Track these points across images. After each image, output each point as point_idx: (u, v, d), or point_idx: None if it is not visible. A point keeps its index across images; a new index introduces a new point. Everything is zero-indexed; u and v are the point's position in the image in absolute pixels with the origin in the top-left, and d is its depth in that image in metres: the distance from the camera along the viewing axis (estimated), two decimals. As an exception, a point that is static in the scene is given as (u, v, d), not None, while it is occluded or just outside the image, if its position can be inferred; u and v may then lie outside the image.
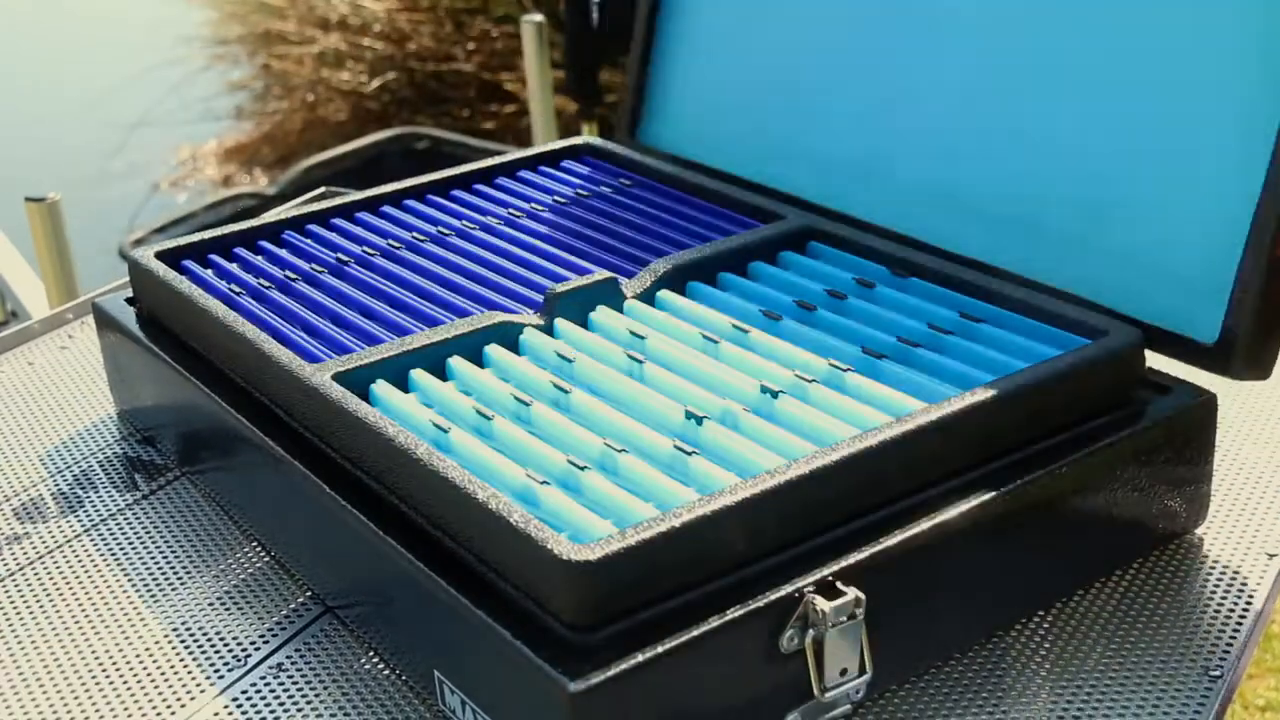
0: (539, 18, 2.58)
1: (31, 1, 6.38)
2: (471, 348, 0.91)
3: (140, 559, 0.93)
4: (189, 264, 1.06)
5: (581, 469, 0.77)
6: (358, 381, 0.87)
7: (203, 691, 0.81)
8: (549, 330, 0.94)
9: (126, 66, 5.06)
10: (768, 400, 0.83)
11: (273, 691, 0.81)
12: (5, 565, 0.93)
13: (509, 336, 0.93)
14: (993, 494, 0.78)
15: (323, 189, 1.53)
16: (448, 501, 0.75)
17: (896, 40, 1.09)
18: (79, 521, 0.97)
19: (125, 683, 0.82)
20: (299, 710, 0.79)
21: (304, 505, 0.85)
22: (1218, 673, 0.78)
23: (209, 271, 1.05)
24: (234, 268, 1.06)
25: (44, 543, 0.95)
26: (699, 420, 0.81)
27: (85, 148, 4.68)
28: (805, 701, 0.73)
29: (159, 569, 0.92)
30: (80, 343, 1.23)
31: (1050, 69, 0.98)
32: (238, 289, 1.01)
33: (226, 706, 0.80)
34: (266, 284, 1.02)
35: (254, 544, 0.94)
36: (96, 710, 0.80)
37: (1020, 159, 0.99)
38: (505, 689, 0.71)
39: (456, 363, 0.90)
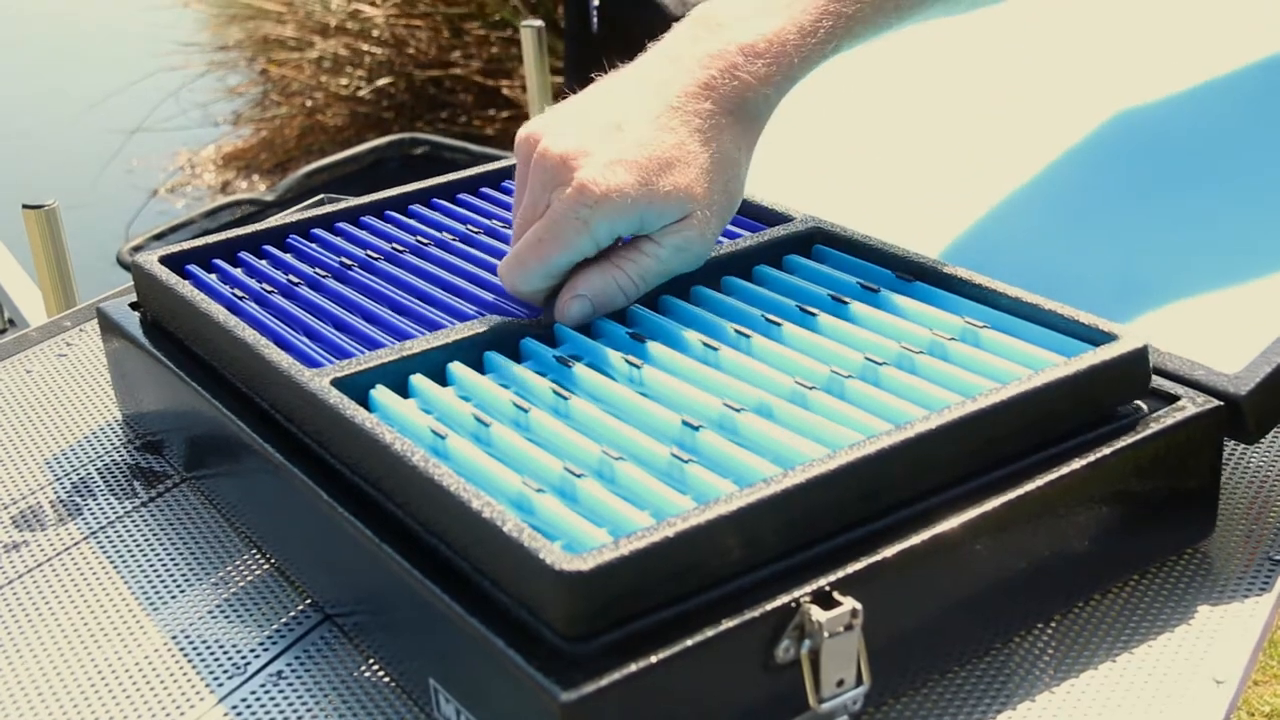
0: (538, 23, 2.58)
1: (29, 7, 6.38)
2: (472, 352, 0.91)
3: (139, 566, 0.93)
4: (192, 269, 1.06)
5: (578, 476, 0.77)
6: (357, 387, 0.87)
7: (201, 699, 0.81)
8: (550, 335, 0.94)
9: (124, 73, 5.07)
10: (766, 407, 0.83)
11: (272, 699, 0.81)
12: (3, 573, 0.93)
13: (510, 341, 0.93)
14: (992, 505, 0.77)
15: (321, 196, 1.53)
16: (442, 509, 0.75)
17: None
18: (77, 529, 0.97)
19: (125, 691, 0.82)
20: (298, 718, 0.79)
21: (303, 513, 0.85)
22: (1223, 679, 0.78)
23: (213, 276, 1.05)
24: (238, 272, 1.06)
25: (42, 550, 0.95)
26: (695, 428, 0.81)
27: (83, 154, 4.69)
28: (801, 712, 0.72)
29: (158, 576, 0.92)
30: (79, 350, 1.23)
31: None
32: (240, 294, 1.01)
33: (226, 714, 0.80)
34: (269, 288, 1.02)
35: (253, 551, 0.94)
36: (95, 719, 0.80)
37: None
38: (498, 698, 0.71)
39: (456, 368, 0.90)
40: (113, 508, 1.00)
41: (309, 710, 0.80)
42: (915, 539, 0.75)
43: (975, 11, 1.19)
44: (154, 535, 0.96)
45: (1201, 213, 1.01)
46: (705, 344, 0.91)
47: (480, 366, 0.92)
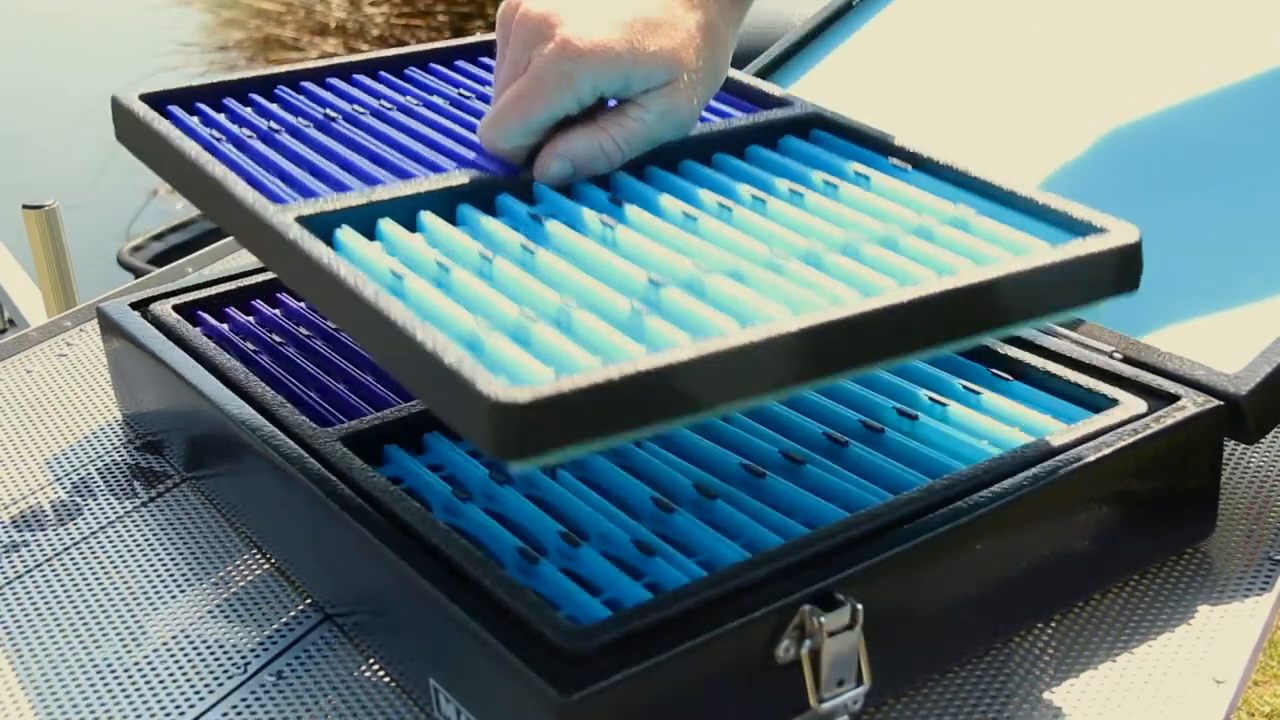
0: (537, 24, 2.57)
1: (29, 7, 6.39)
2: (445, 202, 0.88)
3: (139, 566, 0.93)
4: (174, 109, 1.03)
5: (533, 322, 0.74)
6: (323, 226, 0.84)
7: (202, 699, 0.81)
8: (529, 193, 0.91)
9: (124, 73, 5.07)
10: (738, 272, 0.80)
11: (272, 699, 0.81)
12: (3, 573, 0.93)
13: (485, 195, 0.89)
14: (992, 505, 0.77)
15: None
16: (391, 344, 0.72)
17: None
18: (77, 529, 0.97)
19: (125, 691, 0.82)
20: (299, 718, 0.79)
21: (303, 512, 0.85)
22: (1223, 679, 0.78)
23: (194, 119, 1.02)
24: (220, 117, 1.03)
25: (42, 550, 0.95)
26: (659, 285, 0.77)
27: (83, 154, 4.69)
28: (802, 712, 0.72)
29: (158, 576, 0.92)
30: (79, 350, 1.23)
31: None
32: (218, 135, 0.99)
33: (226, 714, 0.80)
34: (249, 133, 0.99)
35: (253, 551, 0.94)
36: (95, 718, 0.80)
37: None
38: (499, 698, 0.71)
39: (427, 217, 0.87)
40: (113, 508, 1.00)
41: (309, 710, 0.80)
42: (916, 539, 0.75)
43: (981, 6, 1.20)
44: (154, 535, 0.96)
45: (1202, 213, 1.01)
46: (685, 213, 0.87)
47: (452, 218, 0.88)
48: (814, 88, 1.30)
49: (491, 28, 0.99)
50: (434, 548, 0.76)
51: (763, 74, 1.31)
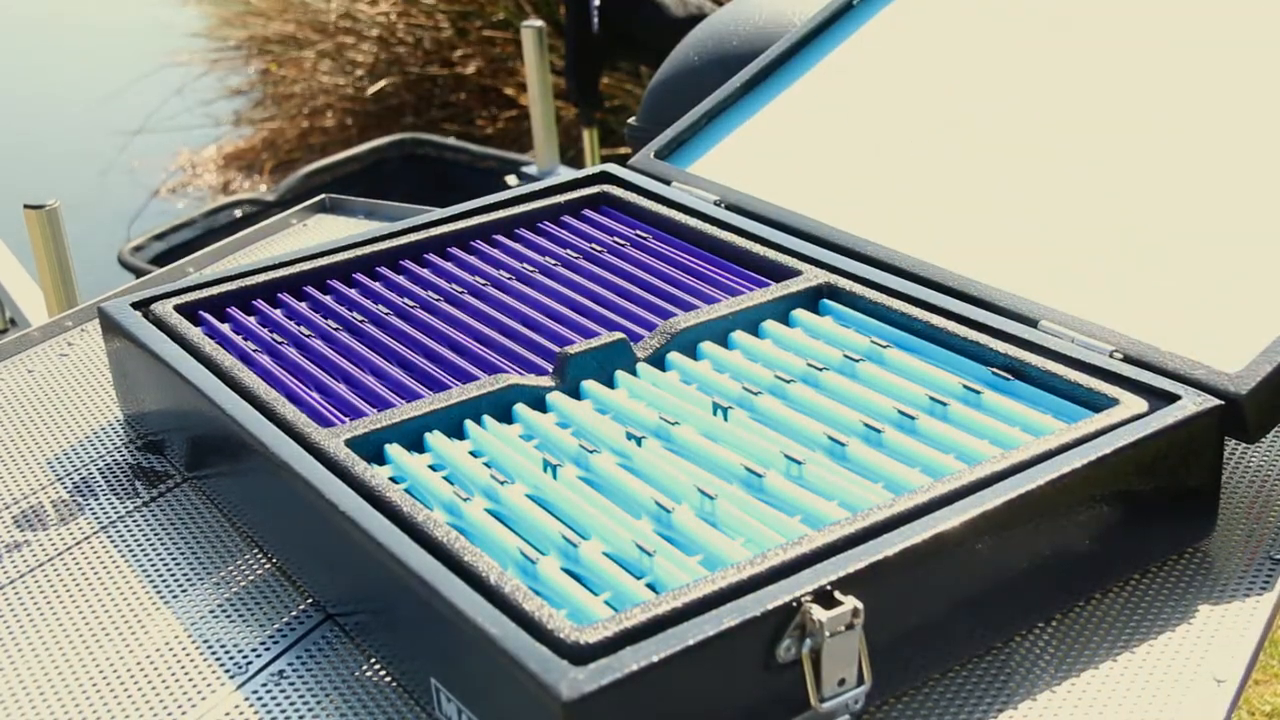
0: (538, 23, 2.58)
1: (30, 7, 6.39)
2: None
3: (141, 566, 0.93)
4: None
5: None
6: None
7: (204, 699, 0.81)
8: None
9: (126, 73, 5.07)
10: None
11: (274, 699, 0.81)
12: (5, 573, 0.93)
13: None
14: (992, 504, 0.77)
15: (323, 196, 1.54)
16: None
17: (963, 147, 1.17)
18: (79, 528, 0.97)
19: (126, 690, 0.82)
20: (300, 717, 0.79)
21: (305, 512, 0.85)
22: (1223, 678, 0.78)
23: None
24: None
25: (44, 550, 0.95)
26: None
27: (84, 154, 4.69)
28: (803, 712, 0.72)
29: (159, 576, 0.92)
30: (80, 350, 1.23)
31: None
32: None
33: (228, 713, 0.80)
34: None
35: (255, 550, 0.94)
36: (97, 718, 0.80)
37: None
38: (500, 697, 0.71)
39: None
40: (114, 507, 1.00)
41: (310, 709, 0.80)
42: (916, 538, 0.75)
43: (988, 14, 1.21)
44: (156, 535, 0.96)
45: (1204, 213, 1.02)
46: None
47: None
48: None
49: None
50: (434, 547, 0.77)
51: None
